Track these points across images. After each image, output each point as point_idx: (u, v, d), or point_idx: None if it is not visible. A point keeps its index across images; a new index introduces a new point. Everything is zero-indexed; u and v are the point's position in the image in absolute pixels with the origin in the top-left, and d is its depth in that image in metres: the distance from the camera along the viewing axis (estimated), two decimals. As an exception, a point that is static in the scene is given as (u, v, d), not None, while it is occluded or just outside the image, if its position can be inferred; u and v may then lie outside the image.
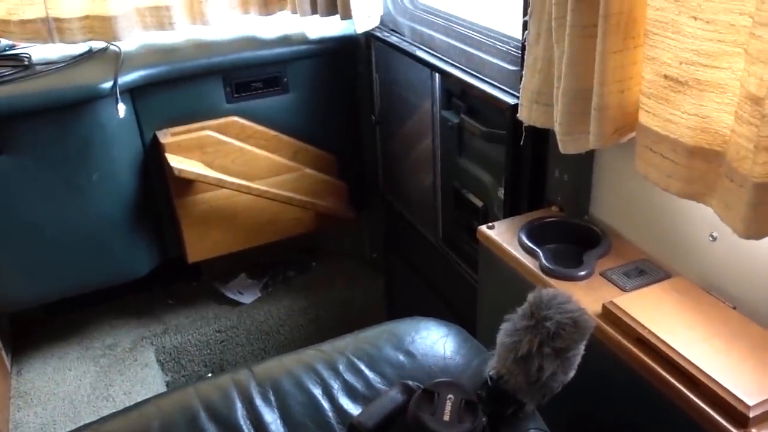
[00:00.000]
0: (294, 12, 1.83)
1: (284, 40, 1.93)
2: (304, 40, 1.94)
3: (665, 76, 0.94)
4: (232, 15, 1.86)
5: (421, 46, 1.77)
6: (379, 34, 1.90)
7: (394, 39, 1.85)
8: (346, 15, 1.81)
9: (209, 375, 2.12)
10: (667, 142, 0.96)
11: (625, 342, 1.09)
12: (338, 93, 2.04)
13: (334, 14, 1.85)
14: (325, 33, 1.96)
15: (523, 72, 1.25)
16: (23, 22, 1.68)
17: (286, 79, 1.94)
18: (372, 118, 2.04)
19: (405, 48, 1.78)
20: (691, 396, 0.98)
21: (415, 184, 1.98)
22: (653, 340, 1.05)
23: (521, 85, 1.26)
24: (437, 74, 1.70)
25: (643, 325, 1.08)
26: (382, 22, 1.92)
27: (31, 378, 1.95)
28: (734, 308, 1.12)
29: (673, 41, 0.91)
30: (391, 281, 2.31)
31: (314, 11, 1.83)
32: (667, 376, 1.01)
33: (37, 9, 1.67)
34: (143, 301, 2.26)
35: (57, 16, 1.69)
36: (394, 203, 2.13)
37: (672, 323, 1.09)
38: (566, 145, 1.17)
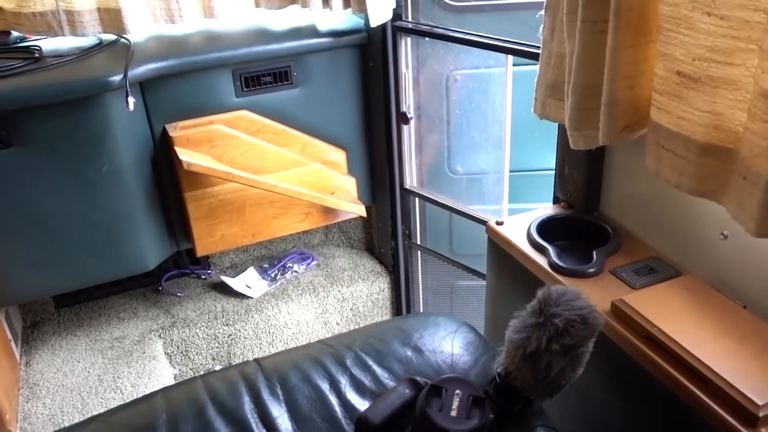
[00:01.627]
0: (305, 6, 1.83)
1: (294, 34, 1.93)
2: (314, 34, 1.93)
3: (678, 73, 0.93)
4: (242, 9, 1.86)
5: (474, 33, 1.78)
6: (411, 26, 1.90)
7: (438, 30, 1.86)
8: (361, 9, 1.80)
9: (217, 368, 2.13)
10: (680, 140, 0.95)
11: (634, 340, 1.09)
12: (348, 87, 2.04)
13: (347, 8, 1.84)
14: (335, 27, 1.96)
15: (538, 67, 1.24)
16: (34, 15, 1.68)
17: (296, 74, 1.94)
18: (401, 113, 2.03)
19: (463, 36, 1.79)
20: (701, 395, 0.97)
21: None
22: (662, 338, 1.05)
23: (536, 80, 1.25)
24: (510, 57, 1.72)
25: (652, 323, 1.07)
26: (396, 16, 1.91)
27: (40, 369, 1.96)
28: (744, 307, 1.11)
29: (687, 37, 0.91)
30: (399, 276, 2.31)
31: (326, 5, 1.82)
32: (677, 375, 1.01)
33: (48, 1, 1.68)
34: (151, 293, 2.27)
35: (68, 9, 1.69)
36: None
37: (682, 321, 1.08)
38: (576, 140, 1.16)
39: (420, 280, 2.35)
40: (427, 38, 1.96)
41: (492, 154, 2.13)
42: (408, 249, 2.27)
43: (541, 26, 1.21)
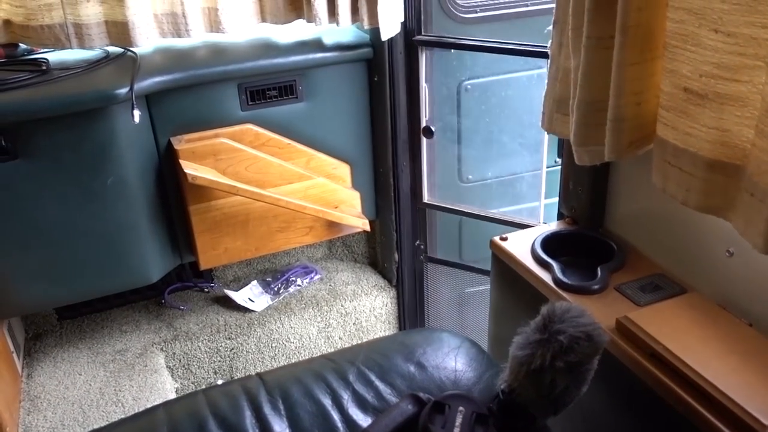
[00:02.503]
0: (310, 21, 1.84)
1: (300, 48, 1.94)
2: (320, 49, 1.94)
3: (685, 89, 0.93)
4: (249, 23, 1.87)
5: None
6: (434, 39, 1.93)
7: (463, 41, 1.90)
8: (373, 22, 1.81)
9: (219, 382, 2.12)
10: (686, 156, 0.95)
11: (639, 357, 1.08)
12: (353, 102, 2.04)
13: (356, 22, 1.85)
14: (340, 41, 1.97)
15: (546, 81, 1.24)
16: (42, 28, 1.69)
17: (301, 87, 1.95)
18: (425, 127, 2.05)
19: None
20: (706, 413, 0.96)
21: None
22: (668, 356, 1.04)
23: (543, 94, 1.25)
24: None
25: (657, 341, 1.06)
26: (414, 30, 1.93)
27: (42, 381, 1.96)
28: (750, 325, 1.10)
29: (693, 54, 0.90)
30: (403, 291, 2.30)
31: (333, 19, 1.83)
32: (682, 393, 1.00)
33: (56, 14, 1.69)
34: (154, 306, 2.26)
35: (76, 22, 1.70)
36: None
37: (687, 339, 1.07)
38: (581, 156, 1.16)
39: (432, 294, 2.34)
40: (439, 49, 1.99)
41: (510, 158, 2.20)
42: (423, 264, 2.27)
43: (549, 41, 1.22)
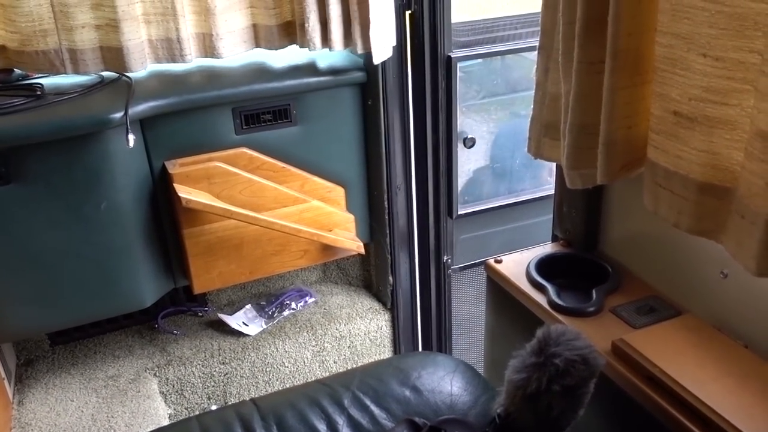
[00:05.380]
0: (303, 46, 1.85)
1: (294, 73, 1.95)
2: (314, 73, 1.95)
3: (675, 113, 0.94)
4: (243, 48, 1.88)
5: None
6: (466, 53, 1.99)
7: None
8: (366, 47, 1.82)
9: (212, 407, 2.10)
10: (677, 178, 0.95)
11: (635, 380, 1.07)
12: (347, 125, 2.05)
13: (349, 47, 1.87)
14: (334, 65, 1.98)
15: (532, 106, 1.25)
16: (37, 53, 1.70)
17: (295, 111, 1.96)
18: (468, 138, 2.12)
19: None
20: (704, 437, 0.96)
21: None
22: (664, 378, 1.04)
23: (530, 119, 1.26)
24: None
25: (653, 363, 1.06)
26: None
27: (33, 408, 1.93)
28: (746, 347, 1.10)
29: (682, 78, 0.92)
30: (397, 314, 2.29)
31: (326, 45, 1.85)
32: (678, 416, 1.00)
33: (51, 40, 1.70)
34: (147, 331, 2.24)
35: (71, 47, 1.71)
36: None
37: (683, 361, 1.07)
38: (573, 179, 1.17)
39: (457, 306, 2.34)
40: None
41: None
42: (447, 278, 2.27)
43: (534, 67, 1.23)
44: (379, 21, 1.80)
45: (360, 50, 1.85)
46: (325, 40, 1.85)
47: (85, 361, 2.12)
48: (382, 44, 1.84)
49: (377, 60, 1.84)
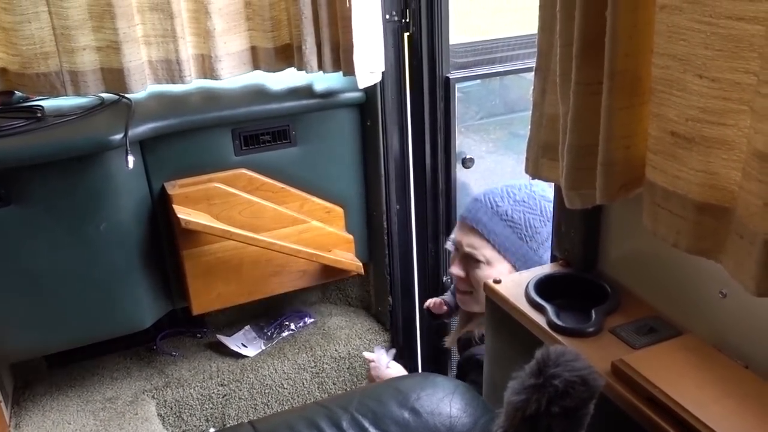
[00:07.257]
0: (300, 69, 1.87)
1: (292, 94, 1.96)
2: (312, 95, 1.96)
3: (672, 133, 0.94)
4: (242, 70, 1.90)
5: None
6: (464, 74, 2.00)
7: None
8: (349, 71, 1.84)
9: (211, 430, 2.08)
10: (676, 198, 0.95)
11: (635, 401, 1.07)
12: (346, 145, 2.06)
13: (337, 71, 1.88)
14: (332, 87, 1.99)
15: (529, 127, 1.25)
16: (38, 76, 1.71)
17: (294, 132, 1.97)
18: (467, 158, 2.14)
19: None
20: (705, 459, 0.95)
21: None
22: (665, 399, 1.03)
23: (527, 140, 1.27)
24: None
25: (654, 384, 1.05)
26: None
27: (30, 431, 1.92)
28: (746, 367, 1.09)
29: (679, 98, 0.92)
30: (397, 335, 2.28)
31: (320, 68, 1.87)
32: (680, 438, 0.99)
33: (52, 62, 1.71)
34: (145, 353, 2.23)
35: (72, 69, 1.72)
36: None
37: (684, 382, 1.06)
38: (572, 200, 1.17)
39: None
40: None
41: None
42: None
43: (531, 88, 1.23)
44: (364, 46, 1.81)
45: (343, 74, 1.87)
46: (320, 64, 1.87)
47: (82, 383, 2.10)
48: (368, 69, 1.85)
49: (362, 84, 1.85)
